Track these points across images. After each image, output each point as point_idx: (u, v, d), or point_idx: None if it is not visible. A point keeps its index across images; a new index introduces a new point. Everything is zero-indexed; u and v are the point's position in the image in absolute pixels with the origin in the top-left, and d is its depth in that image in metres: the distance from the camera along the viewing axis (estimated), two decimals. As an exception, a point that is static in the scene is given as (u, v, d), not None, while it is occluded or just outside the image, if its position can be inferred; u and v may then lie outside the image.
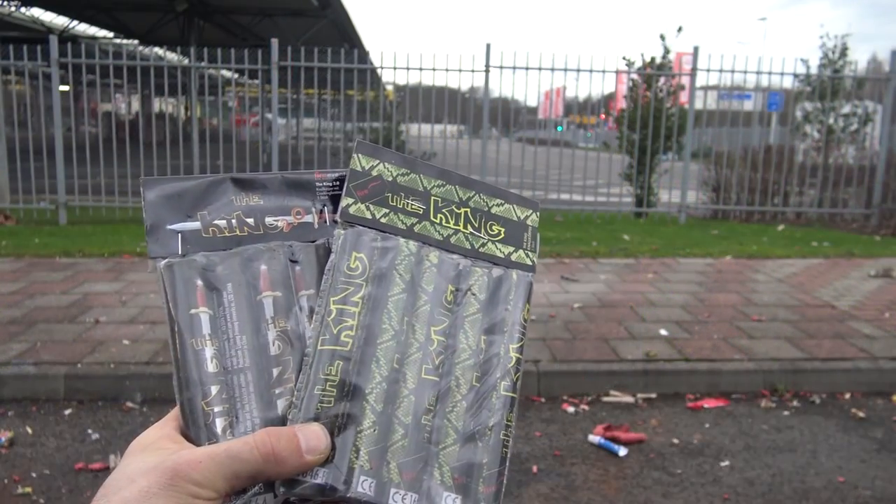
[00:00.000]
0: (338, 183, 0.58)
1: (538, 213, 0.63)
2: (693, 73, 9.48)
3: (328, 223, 0.57)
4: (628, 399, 3.90)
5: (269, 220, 0.56)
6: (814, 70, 10.14)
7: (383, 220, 0.56)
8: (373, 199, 0.56)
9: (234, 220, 0.55)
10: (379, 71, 9.94)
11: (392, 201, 0.56)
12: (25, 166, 8.68)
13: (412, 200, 0.57)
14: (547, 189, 10.07)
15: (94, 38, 21.28)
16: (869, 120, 10.36)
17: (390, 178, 0.57)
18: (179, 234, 0.53)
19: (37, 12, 19.08)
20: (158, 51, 13.46)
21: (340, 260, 0.53)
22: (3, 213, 8.61)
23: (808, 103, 10.47)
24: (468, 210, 0.59)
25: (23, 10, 18.50)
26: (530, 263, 0.60)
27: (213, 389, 0.50)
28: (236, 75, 11.48)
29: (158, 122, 10.69)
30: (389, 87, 10.99)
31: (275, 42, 8.93)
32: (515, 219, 0.61)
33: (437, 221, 0.57)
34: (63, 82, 9.58)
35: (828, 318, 4.97)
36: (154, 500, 0.43)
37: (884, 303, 5.41)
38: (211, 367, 0.50)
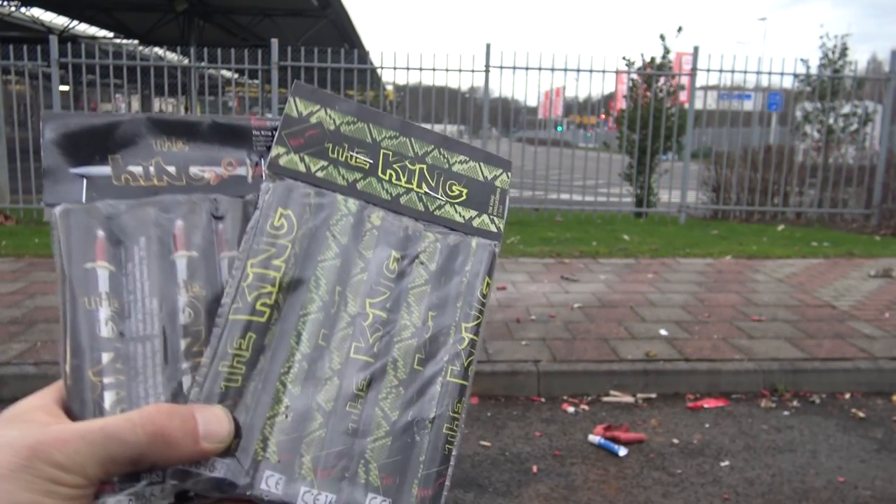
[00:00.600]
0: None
1: (510, 174, 0.54)
2: (693, 73, 9.49)
3: (264, 178, 0.49)
4: (628, 399, 3.90)
5: (193, 169, 0.48)
6: (814, 70, 10.15)
7: (319, 174, 0.48)
8: (309, 150, 0.48)
9: (151, 168, 0.47)
10: (379, 71, 9.94)
11: (332, 153, 0.48)
12: (25, 166, 8.67)
13: (357, 153, 0.49)
14: (547, 189, 10.07)
15: (94, 38, 21.27)
16: (869, 120, 10.36)
17: (332, 127, 0.49)
18: (85, 180, 0.46)
19: (37, 12, 19.07)
20: (158, 51, 13.45)
21: (265, 217, 0.46)
22: (3, 213, 8.61)
23: (808, 103, 10.47)
24: (424, 166, 0.51)
25: (23, 10, 18.50)
26: (495, 230, 0.52)
27: (105, 357, 0.42)
28: (236, 75, 11.48)
29: (158, 122, 10.65)
30: (389, 87, 11.00)
31: (275, 42, 8.93)
32: (481, 178, 0.52)
33: (386, 178, 0.50)
34: (63, 82, 9.58)
35: (828, 318, 4.97)
36: (2, 485, 0.35)
37: (884, 303, 5.41)
38: (105, 330, 0.42)
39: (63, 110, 0.48)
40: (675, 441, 3.43)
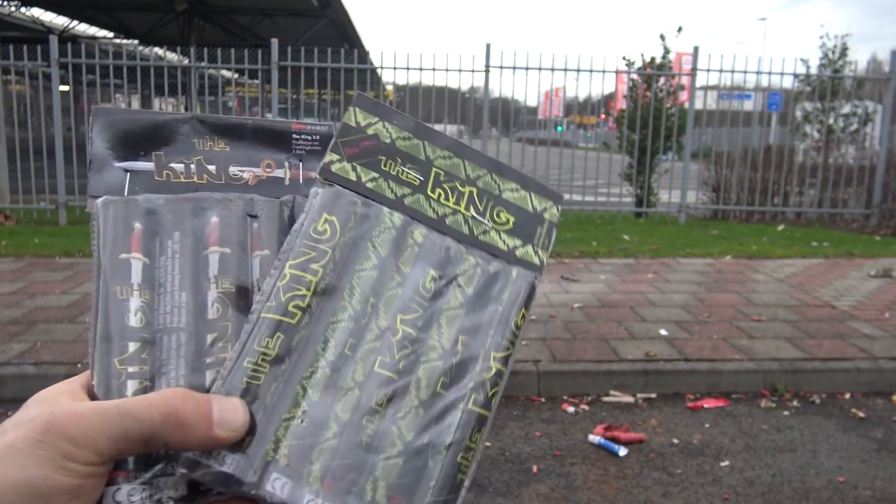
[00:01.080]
0: (318, 139, 0.52)
1: (559, 208, 0.53)
2: (693, 73, 9.49)
3: (301, 181, 0.51)
4: (628, 399, 3.90)
5: (233, 169, 0.49)
6: (814, 70, 10.15)
7: (369, 185, 0.48)
8: (362, 161, 0.48)
9: (193, 166, 0.48)
10: (379, 71, 9.95)
11: (385, 166, 0.49)
12: (25, 166, 8.68)
13: (409, 168, 0.49)
14: (547, 189, 10.06)
15: (94, 38, 21.27)
16: (869, 120, 10.36)
17: (387, 141, 0.49)
18: (128, 174, 0.47)
19: (37, 12, 19.07)
20: (158, 51, 13.45)
21: (310, 221, 0.46)
22: (3, 213, 8.61)
23: (808, 103, 10.47)
24: (474, 189, 0.50)
25: (23, 10, 18.50)
26: (538, 262, 0.51)
27: (132, 346, 0.43)
28: (236, 75, 11.49)
29: (158, 122, 10.66)
30: (389, 87, 11.00)
31: (275, 42, 8.93)
32: (530, 209, 0.52)
33: (435, 197, 0.49)
34: (63, 82, 9.59)
35: (828, 318, 4.97)
36: (16, 459, 0.35)
37: (884, 303, 5.41)
38: (134, 320, 0.43)
39: (112, 106, 0.49)
40: (675, 441, 3.43)
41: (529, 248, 0.51)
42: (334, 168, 0.48)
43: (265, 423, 0.42)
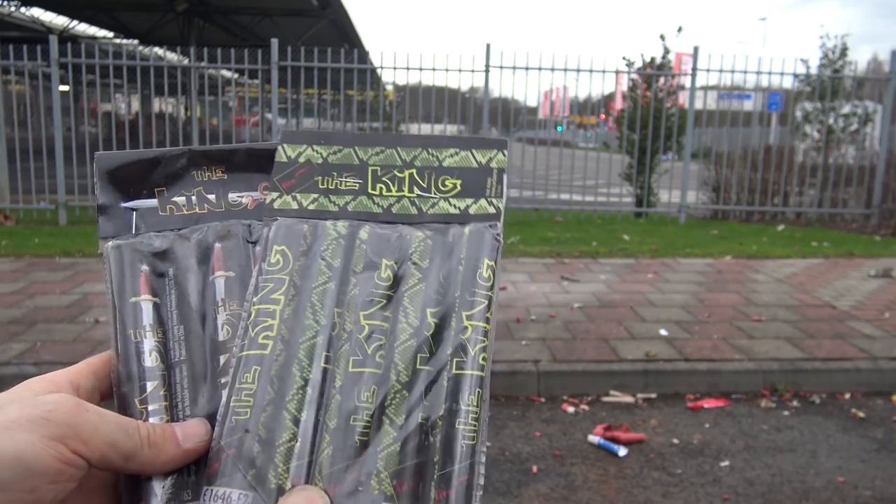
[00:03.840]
0: None
1: (506, 151, 0.52)
2: (693, 73, 9.49)
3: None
4: (628, 399, 3.90)
5: (232, 196, 0.52)
6: (814, 70, 10.15)
7: (311, 207, 0.50)
8: (300, 188, 0.50)
9: (193, 197, 0.51)
10: (379, 71, 9.95)
11: (322, 184, 0.50)
12: (25, 166, 8.68)
13: (346, 177, 0.50)
14: (547, 189, 10.07)
15: (94, 38, 21.27)
16: (869, 120, 10.36)
17: (320, 161, 0.51)
18: (134, 213, 0.49)
19: (37, 12, 19.08)
20: (158, 51, 13.45)
21: (263, 258, 0.48)
22: (3, 213, 8.61)
23: (808, 103, 10.47)
24: (413, 171, 0.51)
25: (23, 10, 18.50)
26: (493, 211, 0.50)
27: (150, 385, 0.45)
28: (236, 75, 11.48)
29: (158, 122, 10.69)
30: (389, 87, 11.00)
31: (275, 42, 8.93)
32: (475, 165, 0.51)
33: (377, 193, 0.50)
34: (63, 82, 9.58)
35: (828, 318, 4.97)
36: (14, 433, 0.36)
37: (884, 303, 5.41)
38: (149, 361, 0.46)
39: (114, 151, 0.51)
40: (675, 441, 3.43)
41: (483, 202, 0.50)
42: (276, 205, 0.50)
43: (265, 454, 0.42)
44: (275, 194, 0.50)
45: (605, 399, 3.91)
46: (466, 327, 0.45)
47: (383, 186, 0.51)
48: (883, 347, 4.36)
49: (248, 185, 0.52)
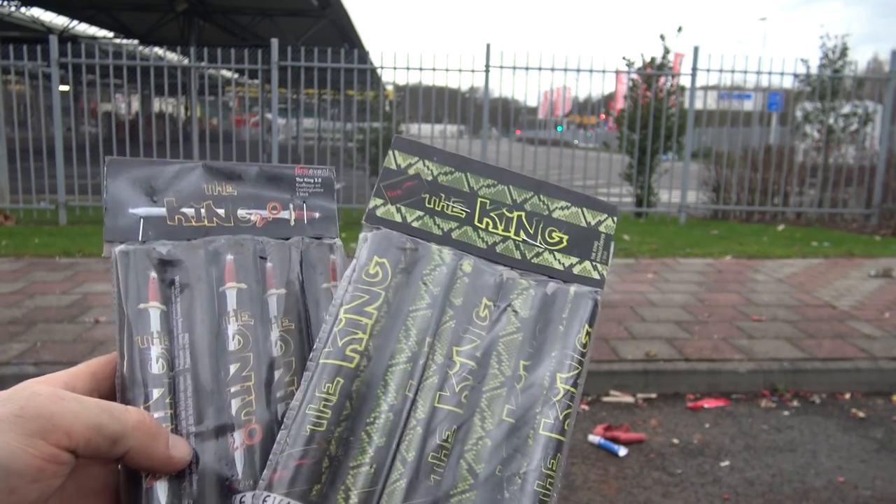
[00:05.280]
0: (319, 181, 0.54)
1: (615, 218, 0.52)
2: (693, 73, 9.48)
3: (306, 221, 0.53)
4: (628, 399, 3.90)
5: (241, 212, 0.52)
6: (814, 70, 10.15)
7: (415, 224, 0.49)
8: (406, 201, 0.49)
9: (203, 210, 0.51)
10: (379, 71, 9.94)
11: (429, 203, 0.49)
12: (25, 166, 8.68)
13: (454, 202, 0.49)
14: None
15: (94, 38, 21.27)
16: (869, 120, 10.36)
17: (430, 178, 0.49)
18: (142, 220, 0.49)
19: (37, 12, 19.07)
20: (158, 51, 13.45)
21: (361, 265, 0.47)
22: (3, 213, 8.61)
23: (808, 103, 10.47)
24: (522, 214, 0.50)
25: (23, 10, 18.50)
26: (597, 277, 0.50)
27: (156, 393, 0.45)
28: (236, 75, 11.48)
29: (158, 122, 10.70)
30: (389, 87, 11.00)
31: (275, 42, 8.93)
32: (584, 224, 0.51)
33: (483, 226, 0.49)
34: (63, 82, 9.58)
35: (828, 318, 4.97)
36: None
37: (884, 303, 5.41)
38: (156, 367, 0.45)
39: (126, 157, 0.51)
40: (675, 441, 3.43)
41: (587, 264, 0.50)
42: (379, 212, 0.49)
43: (333, 473, 0.42)
44: (379, 200, 0.49)
45: (606, 399, 3.91)
46: (559, 390, 0.46)
47: (490, 222, 0.50)
48: (883, 347, 4.36)
49: (257, 203, 0.52)
